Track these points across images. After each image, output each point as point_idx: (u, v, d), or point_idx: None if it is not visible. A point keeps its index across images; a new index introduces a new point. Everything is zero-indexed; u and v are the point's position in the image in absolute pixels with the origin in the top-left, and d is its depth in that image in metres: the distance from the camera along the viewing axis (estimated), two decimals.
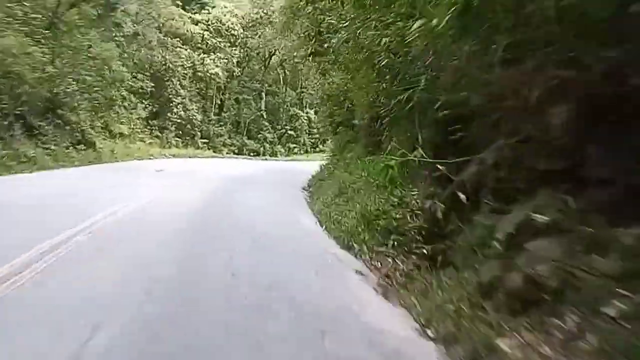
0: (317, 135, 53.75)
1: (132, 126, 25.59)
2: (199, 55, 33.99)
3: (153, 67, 30.16)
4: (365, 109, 10.83)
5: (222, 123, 38.79)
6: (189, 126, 32.10)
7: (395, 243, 6.58)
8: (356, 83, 8.80)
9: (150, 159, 21.25)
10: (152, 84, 29.11)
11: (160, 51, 30.52)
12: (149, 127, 28.73)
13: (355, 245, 6.67)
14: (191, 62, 32.93)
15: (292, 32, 17.94)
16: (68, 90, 17.18)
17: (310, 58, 15.02)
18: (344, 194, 9.41)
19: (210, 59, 34.74)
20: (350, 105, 12.39)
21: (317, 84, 17.48)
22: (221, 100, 41.93)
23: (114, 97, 23.71)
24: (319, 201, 10.81)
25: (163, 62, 30.56)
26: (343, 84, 11.53)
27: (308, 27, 14.53)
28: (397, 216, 6.93)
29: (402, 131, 7.35)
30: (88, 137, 18.22)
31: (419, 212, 6.85)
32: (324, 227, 8.31)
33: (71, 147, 16.73)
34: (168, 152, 25.62)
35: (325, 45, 13.31)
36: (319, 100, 15.73)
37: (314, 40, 14.84)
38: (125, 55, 27.15)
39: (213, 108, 39.24)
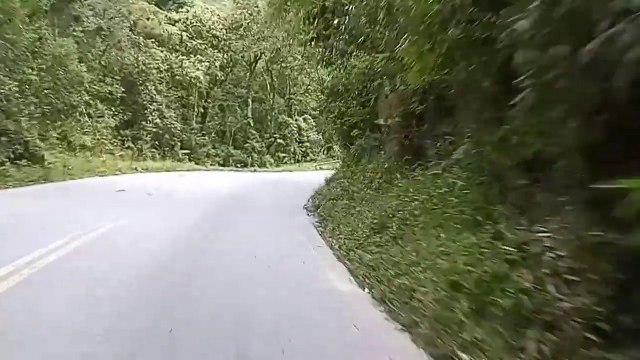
0: (307, 144, 50.78)
1: (97, 137, 21.96)
2: (177, 57, 30.50)
3: (124, 69, 26.61)
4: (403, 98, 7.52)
5: (205, 132, 35.28)
6: (167, 136, 28.50)
7: (543, 346, 3.25)
8: (407, 53, 5.45)
9: (116, 174, 17.69)
10: (123, 89, 25.55)
11: (132, 52, 26.99)
12: (119, 137, 25.10)
13: (463, 356, 3.28)
14: (168, 65, 29.42)
15: (286, 19, 14.65)
16: (3, 91, 13.58)
17: (312, 43, 11.73)
18: (387, 227, 6.03)
19: (190, 62, 31.26)
20: (374, 98, 9.10)
21: (320, 77, 14.11)
22: (204, 107, 38.49)
23: (75, 103, 20.13)
24: (341, 235, 7.42)
25: (135, 64, 27.02)
26: (366, 67, 8.23)
27: (312, 2, 11.25)
28: (527, 284, 3.61)
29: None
30: (34, 150, 14.61)
31: (574, 276, 3.56)
32: (366, 289, 4.91)
33: (8, 163, 13.11)
34: (141, 165, 22.03)
35: (336, 22, 10.05)
36: (324, 96, 12.41)
37: (316, 22, 11.56)
38: (90, 55, 23.61)
39: (195, 116, 35.73)
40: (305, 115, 51.62)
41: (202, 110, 38.41)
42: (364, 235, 6.39)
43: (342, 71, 10.04)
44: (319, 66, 13.08)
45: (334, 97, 11.63)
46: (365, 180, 9.52)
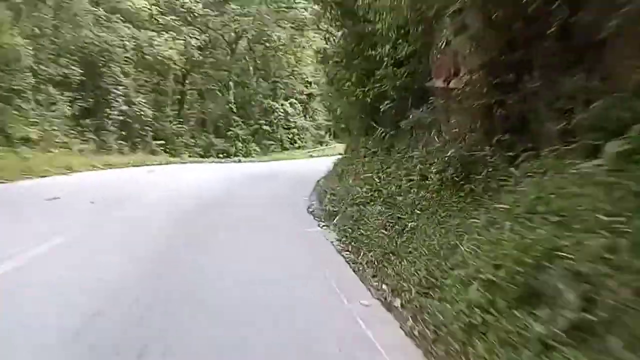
0: (295, 130, 47.39)
1: (47, 128, 18.12)
2: (146, 34, 26.52)
3: (83, 48, 22.67)
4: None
5: (182, 120, 31.46)
6: (136, 125, 24.68)
7: None
8: None
9: (65, 174, 14.04)
10: (82, 71, 21.66)
11: (92, 28, 23.02)
12: (79, 128, 21.26)
13: None
14: (135, 43, 25.47)
15: None
16: None
17: None
18: (551, 297, 2.68)
19: (162, 39, 27.32)
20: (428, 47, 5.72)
21: (326, 37, 10.58)
22: (181, 93, 34.65)
23: (16, 87, 16.35)
24: (402, 280, 4.11)
25: (97, 42, 23.07)
26: None
27: None
28: None
29: None
30: None
31: None
32: None
33: None
34: (102, 161, 18.28)
35: None
36: (337, 58, 8.90)
37: None
38: (38, 31, 19.68)
39: (170, 102, 31.89)
40: (292, 100, 48.07)
41: (179, 97, 34.62)
42: (481, 301, 3.03)
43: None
44: (329, 20, 9.50)
45: (350, 59, 8.20)
46: (412, 176, 6.18)
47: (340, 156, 18.92)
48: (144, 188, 11.48)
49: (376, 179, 7.12)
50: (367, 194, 7.01)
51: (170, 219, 7.74)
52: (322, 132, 55.29)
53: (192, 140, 30.53)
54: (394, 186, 6.57)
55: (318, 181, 16.34)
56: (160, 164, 21.02)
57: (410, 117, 6.46)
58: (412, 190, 6.03)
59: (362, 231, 6.08)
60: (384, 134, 7.52)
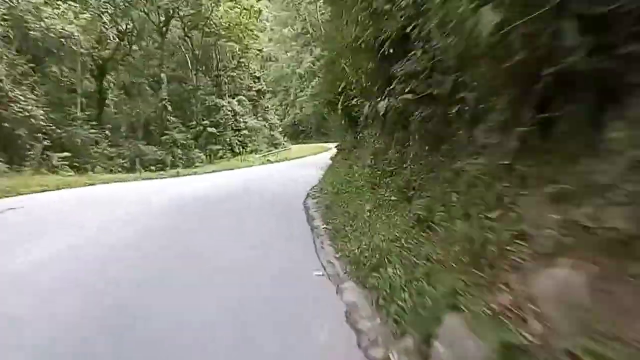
0: (246, 131, 40.51)
1: None
2: (29, 2, 18.64)
3: None
4: None
5: (99, 123, 23.67)
6: (20, 132, 16.86)
7: None
8: None
9: None
10: None
11: None
12: None
13: None
14: (11, 14, 17.59)
15: None
16: None
17: None
18: None
19: (58, 11, 19.50)
20: None
21: None
22: (99, 90, 26.80)
23: None
24: None
25: None
26: None
27: None
28: None
29: None
30: None
31: None
32: None
33: None
34: None
35: None
36: None
37: None
38: None
39: (81, 100, 23.99)
40: (240, 97, 41.17)
41: (98, 94, 26.80)
42: None
43: None
44: None
45: None
46: None
47: (330, 160, 12.48)
48: None
49: None
50: None
51: None
52: (276, 134, 48.64)
53: (112, 150, 22.79)
54: None
55: (308, 209, 9.90)
56: (48, 190, 13.39)
57: None
58: None
59: None
60: None
